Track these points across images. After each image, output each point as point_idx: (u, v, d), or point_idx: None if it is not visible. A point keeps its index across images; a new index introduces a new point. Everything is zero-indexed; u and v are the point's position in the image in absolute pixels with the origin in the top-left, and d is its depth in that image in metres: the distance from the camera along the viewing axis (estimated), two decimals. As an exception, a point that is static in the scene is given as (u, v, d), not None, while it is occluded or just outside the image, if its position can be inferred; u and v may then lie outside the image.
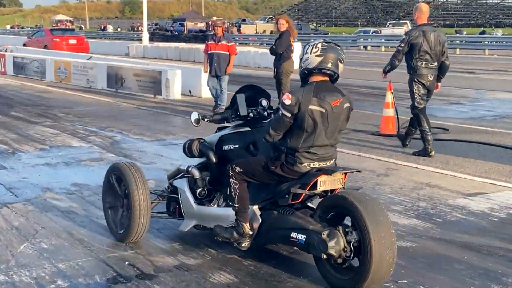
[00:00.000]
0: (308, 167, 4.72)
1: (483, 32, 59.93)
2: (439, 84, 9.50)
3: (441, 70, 9.34)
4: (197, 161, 5.73)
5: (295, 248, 5.01)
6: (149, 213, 5.44)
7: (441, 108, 14.95)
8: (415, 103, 9.33)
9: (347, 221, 4.62)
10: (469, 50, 41.79)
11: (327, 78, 4.73)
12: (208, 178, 5.54)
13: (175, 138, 11.08)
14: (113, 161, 8.31)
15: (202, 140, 5.62)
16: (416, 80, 9.24)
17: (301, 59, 4.77)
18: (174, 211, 5.75)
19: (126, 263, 5.18)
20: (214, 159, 5.43)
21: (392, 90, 11.26)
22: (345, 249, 4.48)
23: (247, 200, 4.95)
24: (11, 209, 6.63)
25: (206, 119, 5.44)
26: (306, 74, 4.76)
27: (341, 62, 4.71)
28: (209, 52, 14.05)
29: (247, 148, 5.24)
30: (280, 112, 4.65)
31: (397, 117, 11.25)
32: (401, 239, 5.71)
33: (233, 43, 14.36)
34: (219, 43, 13.97)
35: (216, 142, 5.49)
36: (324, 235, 4.48)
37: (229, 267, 5.08)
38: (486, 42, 44.92)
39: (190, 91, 17.55)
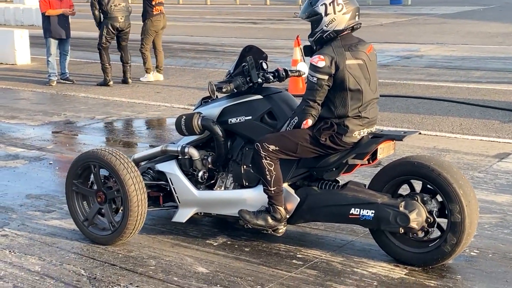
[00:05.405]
0: (358, 135, 4.25)
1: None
2: None
3: None
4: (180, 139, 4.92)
5: (336, 224, 4.69)
6: (146, 206, 4.58)
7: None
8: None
9: (404, 190, 4.31)
10: None
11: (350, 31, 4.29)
12: (210, 158, 4.79)
13: (69, 117, 9.08)
14: (30, 156, 7.12)
15: (202, 115, 4.75)
16: None
17: (318, 20, 4.20)
18: (155, 200, 4.88)
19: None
20: (222, 135, 4.68)
21: (301, 46, 10.25)
22: (428, 220, 4.10)
23: (282, 181, 4.35)
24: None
25: (223, 90, 4.54)
26: (334, 35, 4.21)
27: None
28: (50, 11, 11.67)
29: (261, 119, 4.59)
30: (315, 78, 4.12)
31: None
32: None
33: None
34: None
35: (217, 115, 4.73)
36: (402, 207, 4.07)
37: None
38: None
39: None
